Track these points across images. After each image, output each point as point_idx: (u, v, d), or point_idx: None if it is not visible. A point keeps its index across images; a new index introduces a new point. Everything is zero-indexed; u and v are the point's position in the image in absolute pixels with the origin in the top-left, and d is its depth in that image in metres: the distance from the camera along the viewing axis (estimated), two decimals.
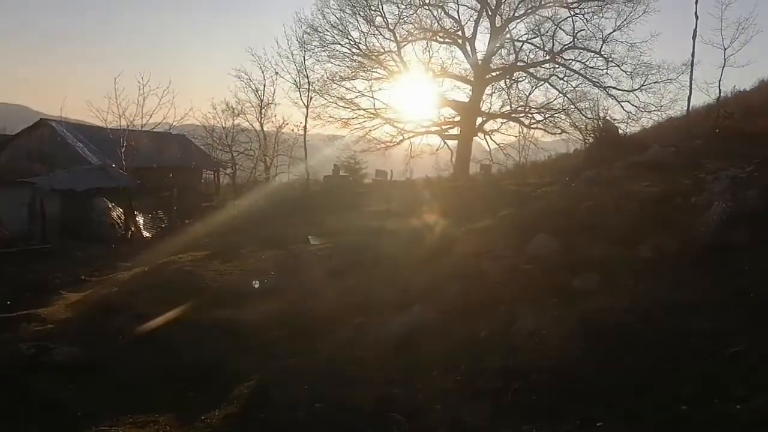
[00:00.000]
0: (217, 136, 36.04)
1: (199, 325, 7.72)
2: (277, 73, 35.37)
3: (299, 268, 10.55)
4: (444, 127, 29.70)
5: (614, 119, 24.12)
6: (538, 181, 19.90)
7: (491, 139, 29.54)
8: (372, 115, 29.24)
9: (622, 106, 26.75)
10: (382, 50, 28.63)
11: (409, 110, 30.88)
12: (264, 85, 34.20)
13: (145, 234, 23.15)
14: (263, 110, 34.63)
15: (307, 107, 31.34)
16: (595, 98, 26.85)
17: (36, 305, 10.59)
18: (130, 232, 22.59)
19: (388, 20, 27.90)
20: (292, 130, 35.27)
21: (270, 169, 35.59)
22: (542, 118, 28.29)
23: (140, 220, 24.05)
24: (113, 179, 24.00)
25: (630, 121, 26.13)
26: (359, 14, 27.93)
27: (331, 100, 29.42)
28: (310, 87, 30.80)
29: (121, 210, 23.10)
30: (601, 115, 23.60)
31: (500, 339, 6.32)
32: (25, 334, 8.36)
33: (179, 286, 9.83)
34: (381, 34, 28.38)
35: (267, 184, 32.63)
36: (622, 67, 26.52)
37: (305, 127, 32.17)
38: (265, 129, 35.33)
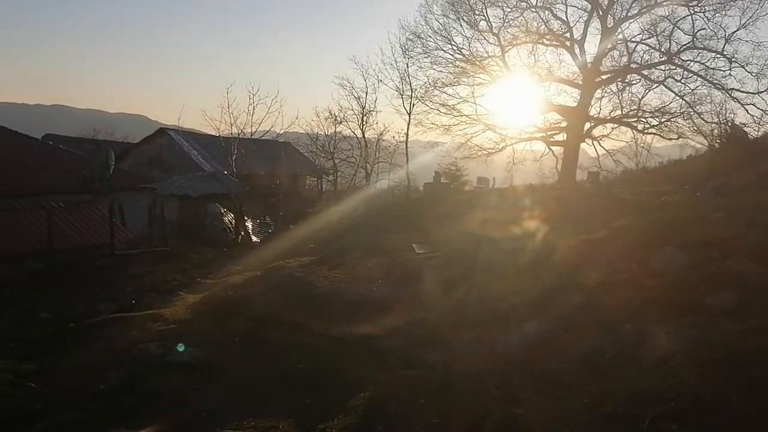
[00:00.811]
0: (320, 143, 37.05)
1: (312, 330, 7.80)
2: (380, 80, 35.84)
3: (407, 277, 10.46)
4: (549, 132, 28.75)
5: (742, 123, 22.33)
6: (653, 190, 18.76)
7: (600, 144, 28.27)
8: (474, 121, 28.83)
9: (746, 110, 24.68)
10: (486, 55, 28.18)
11: (513, 116, 30.21)
12: (366, 93, 34.75)
13: (254, 238, 24.07)
14: (365, 118, 35.20)
15: (409, 114, 31.46)
16: (719, 101, 24.99)
17: (158, 305, 11.22)
18: (240, 237, 23.57)
19: (493, 24, 27.44)
20: (393, 137, 35.58)
21: (371, 176, 36.05)
22: (657, 123, 26.70)
23: (249, 224, 25.06)
24: (225, 185, 25.18)
25: (755, 125, 24.09)
26: (463, 19, 27.67)
27: (432, 107, 29.33)
28: (413, 94, 30.91)
29: (232, 215, 24.16)
30: (728, 118, 21.87)
31: (628, 360, 5.88)
32: (151, 333, 8.82)
33: (290, 290, 10.02)
34: (485, 39, 27.96)
35: (367, 191, 33.01)
36: (746, 68, 24.50)
37: (407, 134, 32.31)
38: (366, 136, 35.89)
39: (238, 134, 29.63)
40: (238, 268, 15.98)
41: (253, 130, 29.10)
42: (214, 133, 31.37)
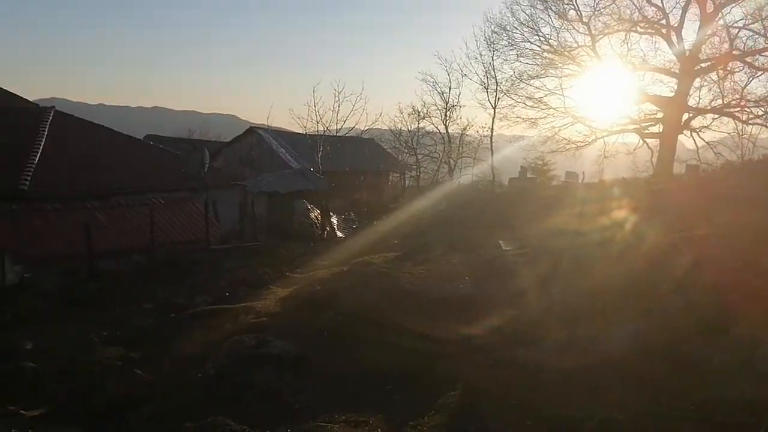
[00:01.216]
0: (403, 139, 37.18)
1: (398, 327, 7.80)
2: (464, 74, 35.51)
3: (494, 274, 10.25)
4: (643, 124, 27.41)
5: None
6: (760, 184, 17.41)
7: (699, 136, 26.65)
8: (562, 114, 27.95)
9: None
10: (575, 45, 27.25)
11: (603, 107, 29.04)
12: (449, 88, 34.54)
13: (339, 234, 24.49)
14: (448, 112, 34.97)
15: (494, 108, 30.99)
16: None
17: (250, 298, 11.60)
18: (325, 232, 24.06)
19: (583, 13, 26.48)
20: (477, 131, 35.13)
21: (454, 171, 35.78)
22: (763, 113, 24.85)
23: (334, 220, 25.53)
24: (311, 182, 25.77)
25: None
26: (551, 9, 26.88)
27: (518, 100, 28.72)
28: (498, 87, 30.39)
29: (318, 211, 24.70)
30: None
31: (740, 367, 5.49)
32: (244, 325, 9.12)
33: (376, 286, 10.05)
34: (574, 29, 27.04)
35: (450, 186, 32.80)
36: None
37: (492, 128, 31.82)
38: (449, 131, 35.63)
39: (324, 132, 30.26)
40: (325, 263, 16.25)
41: (338, 127, 29.62)
42: (300, 131, 32.22)
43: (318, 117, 30.56)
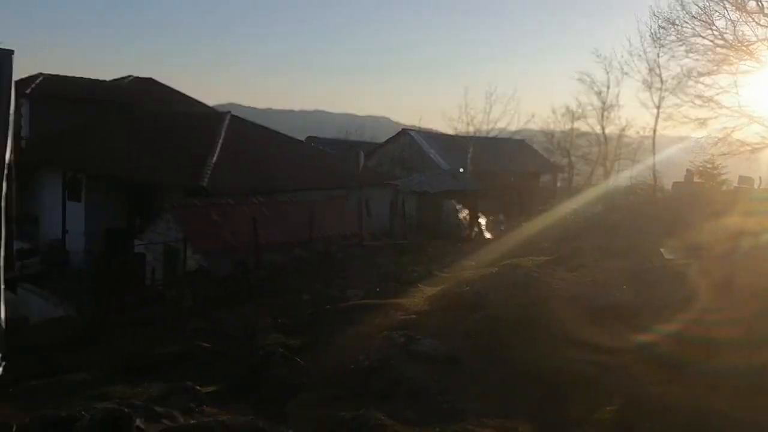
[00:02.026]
0: (555, 140, 35.96)
1: (550, 334, 7.59)
2: (625, 72, 33.57)
3: (655, 284, 9.59)
4: None
5: None
6: None
7: None
8: (736, 114, 25.26)
9: None
10: (754, 39, 24.40)
11: None
12: (608, 87, 32.81)
13: (487, 235, 24.30)
14: (605, 113, 33.21)
15: (657, 108, 28.94)
16: None
17: (399, 295, 11.92)
18: (473, 232, 24.00)
19: (764, 5, 23.71)
20: (637, 132, 33.00)
21: (610, 174, 33.93)
22: None
23: (483, 221, 25.34)
24: (460, 183, 25.86)
25: None
26: (727, 1, 24.35)
27: (686, 99, 26.42)
28: (662, 86, 28.32)
29: (466, 211, 24.70)
30: None
31: None
32: (393, 321, 9.40)
33: (526, 291, 9.84)
34: (754, 21, 24.25)
35: (605, 189, 31.15)
36: None
37: (654, 129, 29.74)
38: (606, 132, 33.81)
39: (474, 133, 30.20)
40: (472, 263, 16.21)
41: (489, 128, 29.40)
42: (451, 133, 32.44)
43: (469, 118, 30.64)
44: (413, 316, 9.77)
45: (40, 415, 4.94)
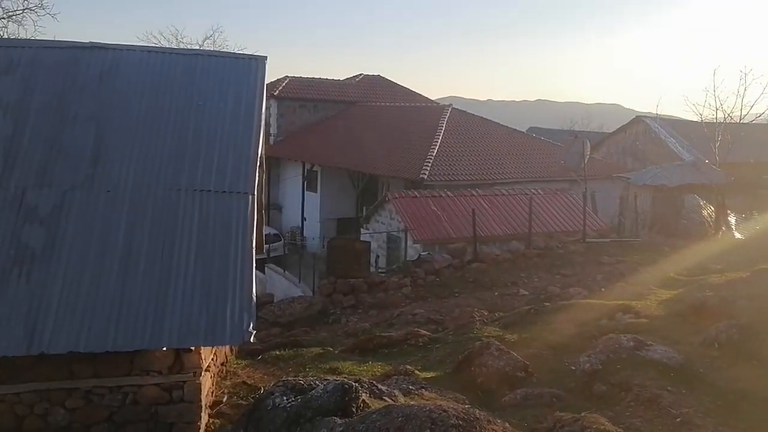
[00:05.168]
0: None
1: None
2: None
3: None
4: None
5: None
6: None
7: None
8: None
9: None
10: None
11: None
12: None
13: (737, 235, 21.31)
14: None
15: None
16: None
17: (627, 296, 11.00)
18: (720, 232, 21.22)
19: None
20: None
21: None
22: None
23: (732, 219, 22.32)
24: (705, 175, 23.03)
25: None
26: None
27: None
28: None
29: (712, 208, 21.93)
30: None
31: None
32: (620, 323, 8.70)
33: None
34: None
35: None
36: None
37: None
38: None
39: (724, 119, 26.68)
40: (717, 266, 14.40)
41: (743, 113, 25.73)
42: (695, 119, 29.07)
43: (718, 103, 27.12)
44: (643, 319, 8.96)
45: (283, 381, 5.61)
